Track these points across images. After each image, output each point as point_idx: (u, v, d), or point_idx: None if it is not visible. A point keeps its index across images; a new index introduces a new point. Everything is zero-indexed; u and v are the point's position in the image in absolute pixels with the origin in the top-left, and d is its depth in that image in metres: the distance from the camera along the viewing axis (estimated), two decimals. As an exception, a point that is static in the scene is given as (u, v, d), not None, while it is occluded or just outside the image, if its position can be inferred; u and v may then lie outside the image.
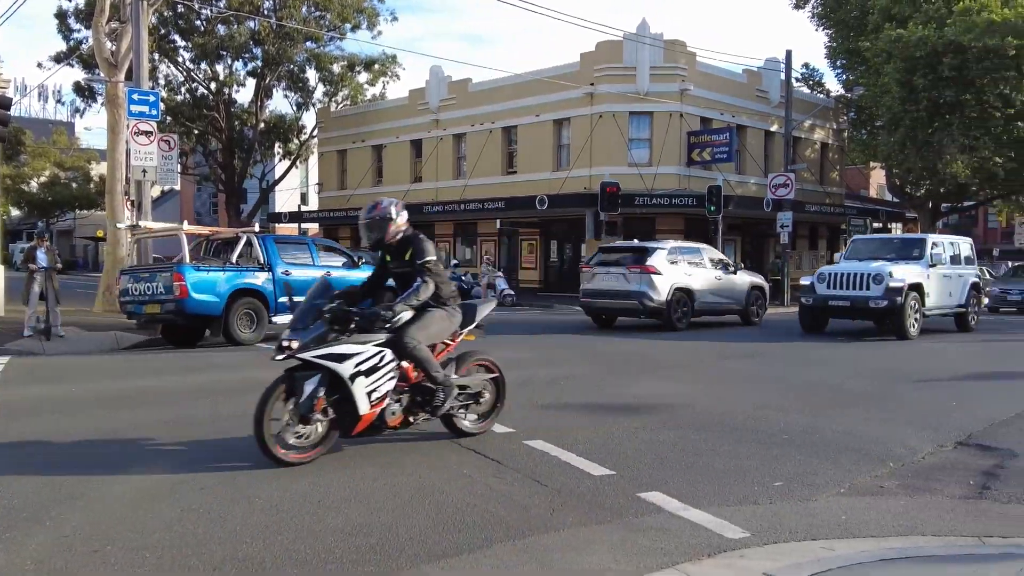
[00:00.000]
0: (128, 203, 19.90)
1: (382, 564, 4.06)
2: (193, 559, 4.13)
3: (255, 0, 38.72)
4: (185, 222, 18.47)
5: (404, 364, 6.08)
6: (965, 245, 19.03)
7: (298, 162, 47.20)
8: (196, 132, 42.28)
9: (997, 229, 71.73)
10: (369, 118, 42.46)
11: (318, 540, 4.36)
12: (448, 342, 6.61)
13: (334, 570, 4.00)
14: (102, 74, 21.26)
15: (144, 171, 17.47)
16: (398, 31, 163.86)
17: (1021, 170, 31.73)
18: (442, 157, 38.74)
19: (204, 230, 17.35)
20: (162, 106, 38.98)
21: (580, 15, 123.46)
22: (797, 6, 41.09)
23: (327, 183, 45.71)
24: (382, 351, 5.91)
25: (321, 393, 5.77)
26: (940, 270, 17.17)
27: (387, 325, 5.94)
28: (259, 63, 41.07)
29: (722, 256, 20.85)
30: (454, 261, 35.37)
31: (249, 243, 15.08)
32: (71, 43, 39.70)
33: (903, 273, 16.03)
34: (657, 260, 17.80)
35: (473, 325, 6.77)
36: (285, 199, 50.73)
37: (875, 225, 39.66)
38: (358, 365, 5.77)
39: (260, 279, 14.65)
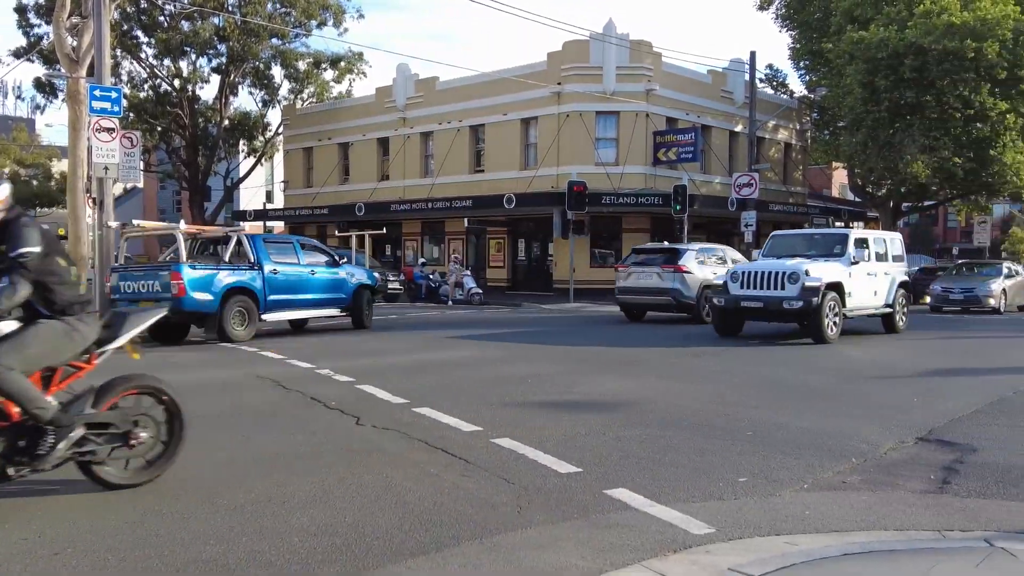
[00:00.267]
0: (90, 201, 19.61)
1: (348, 564, 4.04)
2: (156, 561, 4.08)
3: (219, -4, 38.33)
4: (182, 222, 18.63)
5: None
6: (893, 241, 18.00)
7: (263, 160, 46.77)
8: (159, 129, 41.73)
9: (957, 228, 72.96)
10: (335, 116, 42.20)
11: (283, 541, 4.33)
12: (80, 364, 5.10)
13: (299, 571, 3.97)
14: (63, 70, 20.91)
15: (106, 168, 17.17)
16: (365, 29, 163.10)
17: (980, 170, 32.27)
18: (409, 155, 38.60)
19: (199, 229, 17.52)
20: (125, 103, 38.55)
21: (547, 14, 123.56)
22: (761, 7, 41.47)
23: (293, 181, 45.35)
24: None
25: None
26: (864, 268, 16.03)
27: None
28: (224, 60, 40.63)
29: (740, 256, 22.45)
30: (422, 260, 35.29)
31: (239, 242, 15.49)
32: (31, 38, 39.03)
33: (821, 271, 14.91)
34: (688, 260, 20.00)
35: (119, 342, 5.32)
36: (250, 197, 50.31)
37: (837, 224, 40.21)
38: None
39: (251, 278, 15.11)
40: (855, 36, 31.40)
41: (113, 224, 17.73)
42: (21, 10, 38.42)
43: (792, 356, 13.12)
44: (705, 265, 20.16)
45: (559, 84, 32.75)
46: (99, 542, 4.31)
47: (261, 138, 44.79)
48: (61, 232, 27.11)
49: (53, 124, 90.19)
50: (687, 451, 6.41)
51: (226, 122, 42.55)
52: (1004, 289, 25.95)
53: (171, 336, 14.74)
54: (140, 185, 63.93)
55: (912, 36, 30.03)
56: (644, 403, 8.51)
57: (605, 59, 32.32)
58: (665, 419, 7.65)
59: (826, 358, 12.74)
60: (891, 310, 16.97)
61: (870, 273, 16.27)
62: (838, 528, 4.65)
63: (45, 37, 37.15)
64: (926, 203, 42.67)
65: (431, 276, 31.45)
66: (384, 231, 35.06)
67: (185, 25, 39.36)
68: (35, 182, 61.52)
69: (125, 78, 41.11)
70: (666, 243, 22.86)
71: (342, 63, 43.06)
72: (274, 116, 45.73)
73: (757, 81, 34.02)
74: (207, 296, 14.27)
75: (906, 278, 17.72)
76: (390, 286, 28.64)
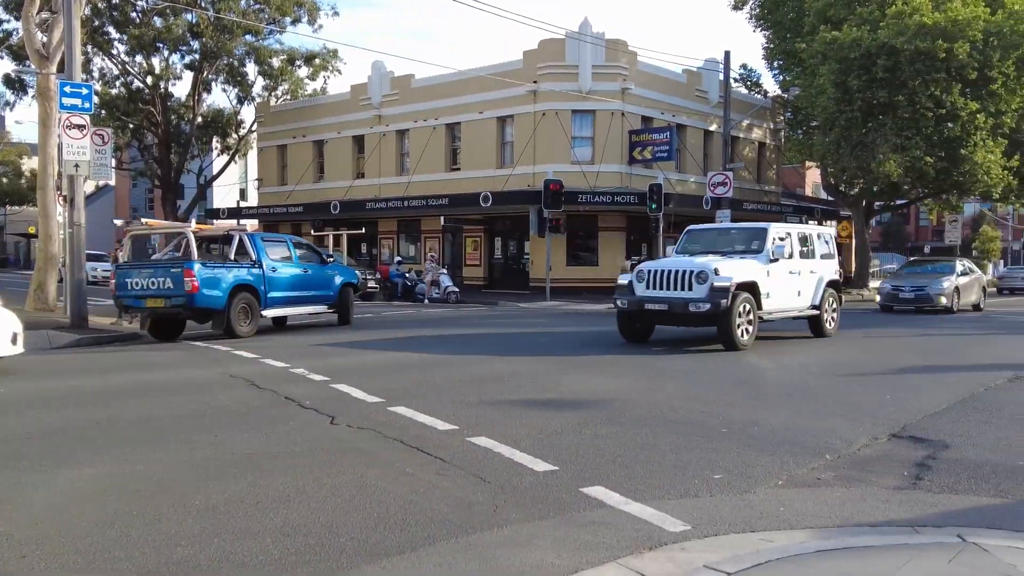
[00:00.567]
0: (60, 198, 19.36)
1: (321, 565, 4.00)
2: (125, 563, 4.02)
3: (192, -8, 37.99)
4: (193, 221, 19.19)
5: None
6: (822, 236, 16.68)
7: (237, 157, 46.45)
8: (131, 126, 41.33)
9: (928, 227, 73.91)
10: (310, 113, 41.95)
11: (255, 541, 4.28)
12: None
13: (271, 571, 3.92)
14: (33, 66, 20.61)
15: (76, 166, 16.94)
16: (339, 26, 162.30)
17: (951, 170, 32.63)
18: (385, 153, 38.45)
19: (201, 227, 18.03)
20: (96, 99, 38.12)
21: (523, 13, 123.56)
22: (736, 7, 41.68)
23: (267, 179, 45.03)
24: None
25: None
26: (785, 265, 14.69)
27: None
28: (197, 56, 40.31)
29: None
30: (398, 258, 35.16)
31: (240, 241, 16.04)
32: (0, 34, 38.46)
33: (732, 270, 13.51)
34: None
35: None
36: (223, 195, 49.92)
37: (811, 223, 40.52)
38: None
39: (255, 275, 15.70)
40: (828, 36, 31.66)
41: (118, 222, 17.92)
42: (-10, 5, 37.89)
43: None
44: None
45: (535, 82, 32.75)
46: (67, 544, 4.24)
47: (235, 135, 44.49)
48: (32, 230, 26.76)
49: (23, 121, 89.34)
50: (663, 449, 6.42)
51: (199, 119, 42.21)
52: (957, 287, 24.71)
53: (170, 333, 15.48)
54: (112, 183, 63.33)
55: (884, 36, 30.33)
56: (621, 401, 8.51)
57: (581, 58, 32.36)
58: (641, 416, 7.65)
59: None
60: (817, 312, 15.64)
61: (793, 271, 14.96)
62: (813, 524, 4.67)
63: (15, 33, 36.65)
64: (898, 202, 43.13)
65: (407, 275, 31.35)
66: (363, 231, 34.95)
67: (158, 21, 39.00)
68: (5, 180, 60.79)
69: (97, 75, 40.70)
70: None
71: (316, 60, 42.87)
72: (248, 113, 45.50)
73: (731, 81, 34.20)
74: (216, 293, 14.77)
75: (836, 276, 16.45)
76: (367, 285, 28.57)
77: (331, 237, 28.90)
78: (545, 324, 19.30)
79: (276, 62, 41.80)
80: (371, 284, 29.90)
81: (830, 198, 45.25)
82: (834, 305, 16.16)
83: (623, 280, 14.43)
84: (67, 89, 16.82)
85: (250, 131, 45.43)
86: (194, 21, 38.31)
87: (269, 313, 16.24)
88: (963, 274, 25.67)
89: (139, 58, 40.63)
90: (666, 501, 5.04)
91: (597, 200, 31.19)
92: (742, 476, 5.67)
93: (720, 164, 33.19)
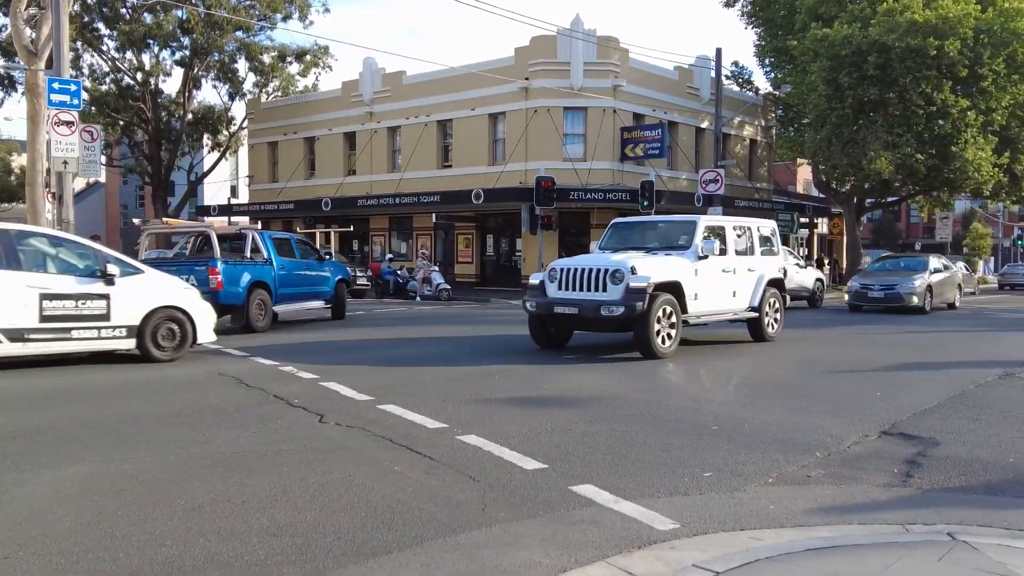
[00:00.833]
0: (49, 195, 19.24)
1: (307, 565, 3.96)
2: (109, 563, 3.97)
3: (182, -12, 37.78)
4: (212, 221, 19.90)
5: None
6: (763, 231, 15.00)
7: (227, 154, 46.27)
8: (122, 123, 41.10)
9: (919, 224, 74.20)
10: (301, 110, 41.81)
11: (241, 542, 4.24)
12: None
13: (257, 572, 3.88)
14: (22, 62, 20.47)
15: (65, 162, 16.84)
16: (331, 22, 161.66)
17: (941, 167, 32.71)
18: (376, 150, 38.35)
19: (229, 229, 19.03)
20: (86, 96, 37.98)
21: (515, 9, 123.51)
22: (727, 4, 41.67)
23: (258, 176, 44.89)
24: None
25: None
26: (717, 263, 13.23)
27: None
28: (187, 52, 40.12)
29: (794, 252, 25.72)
30: (389, 255, 35.09)
31: (253, 239, 16.79)
32: (-12, 30, 38.19)
33: (651, 268, 11.94)
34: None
35: None
36: (214, 192, 49.73)
37: (802, 220, 40.60)
38: None
39: (269, 273, 16.45)
40: (819, 33, 31.70)
41: (137, 221, 18.02)
42: (-24, 1, 37.59)
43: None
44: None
45: (527, 79, 32.70)
46: (51, 545, 4.19)
47: (225, 132, 44.31)
48: (20, 227, 26.70)
49: (12, 118, 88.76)
50: (653, 446, 6.40)
51: (189, 116, 42.03)
52: (930, 285, 23.30)
53: None
54: (102, 180, 63.05)
55: (875, 34, 30.38)
56: (612, 398, 8.49)
57: (572, 55, 32.32)
58: (632, 414, 7.63)
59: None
60: (757, 314, 14.11)
61: (727, 269, 13.49)
62: (802, 523, 4.65)
63: (3, 29, 36.42)
64: (889, 199, 43.21)
65: (399, 272, 31.28)
66: (351, 228, 34.83)
67: (148, 17, 38.81)
68: (-6, 176, 60.36)
69: (86, 71, 40.46)
70: None
71: (307, 57, 42.73)
72: (238, 110, 45.31)
73: (723, 78, 34.24)
74: (238, 290, 15.45)
75: (779, 275, 14.91)
76: (358, 282, 28.55)
77: (318, 234, 28.82)
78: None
79: (267, 59, 41.64)
80: (363, 282, 29.85)
81: (821, 195, 45.34)
82: (776, 306, 14.66)
83: (535, 280, 13.06)
84: (55, 85, 16.72)
85: (241, 128, 45.26)
86: (184, 17, 38.11)
87: (279, 309, 16.90)
88: (937, 271, 24.42)
89: (129, 54, 40.41)
90: (656, 499, 5.02)
91: (589, 197, 31.17)
92: (732, 474, 5.65)
93: (712, 161, 33.20)
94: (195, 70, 40.65)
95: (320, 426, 7.00)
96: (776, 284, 14.75)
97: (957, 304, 25.76)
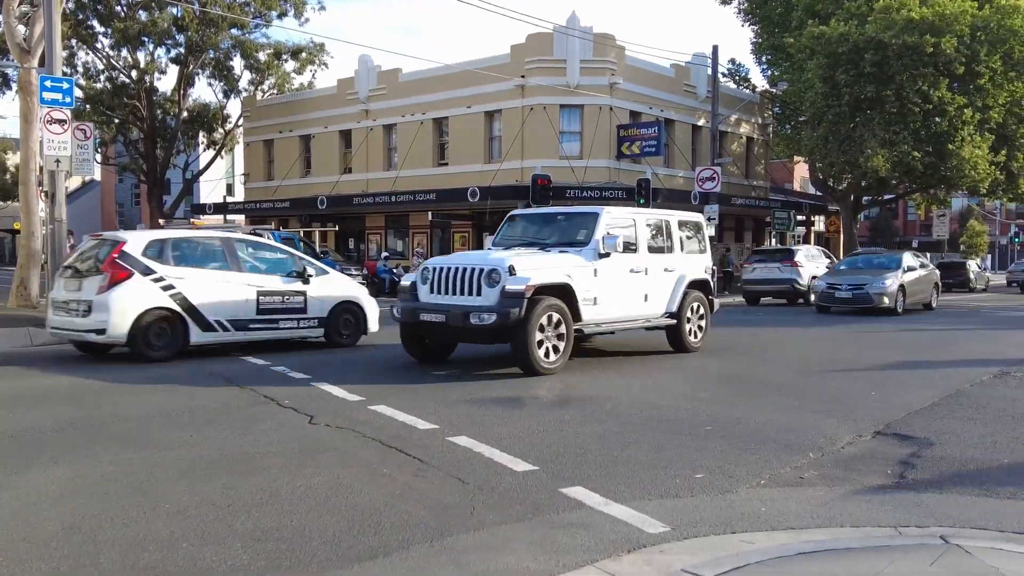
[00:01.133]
0: (42, 194, 19.15)
1: (291, 570, 3.90)
2: (90, 569, 3.91)
3: (177, -15, 37.65)
4: (243, 222, 20.73)
5: None
6: (686, 226, 13.12)
7: (223, 152, 46.14)
8: (117, 121, 40.94)
9: (916, 221, 74.25)
10: (296, 108, 41.67)
11: (225, 546, 4.18)
12: None
13: (240, 578, 3.83)
14: (14, 60, 20.37)
15: (58, 161, 16.75)
16: (326, 19, 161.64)
17: (938, 164, 32.66)
18: (372, 148, 38.24)
19: (245, 229, 20.06)
20: (80, 94, 37.87)
21: (510, 6, 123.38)
22: (724, 2, 41.60)
23: (253, 174, 44.75)
24: None
25: None
26: (623, 262, 11.33)
27: None
28: (182, 50, 39.92)
29: (830, 253, 27.54)
30: (385, 253, 35.00)
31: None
32: (-19, 27, 38.02)
33: (534, 268, 10.15)
34: (800, 257, 26.56)
35: None
36: (210, 190, 49.62)
37: (798, 218, 40.58)
38: None
39: None
40: (816, 31, 31.63)
41: (162, 222, 18.17)
42: (-30, -2, 37.43)
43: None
44: (812, 260, 27.02)
45: (523, 77, 32.60)
46: (32, 550, 4.13)
47: (221, 130, 44.16)
48: (17, 226, 26.42)
49: (7, 116, 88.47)
50: (645, 447, 6.35)
51: (185, 114, 41.87)
52: (902, 285, 21.71)
53: None
54: (98, 178, 62.97)
55: (872, 31, 30.32)
56: (606, 398, 8.44)
57: (569, 52, 32.23)
58: (625, 414, 7.58)
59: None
60: (675, 321, 12.24)
61: (636, 269, 11.64)
62: (794, 525, 4.60)
63: (-3, 27, 36.23)
64: (886, 197, 43.21)
65: (395, 270, 31.20)
66: (336, 228, 34.74)
67: (142, 15, 38.62)
68: (-11, 175, 60.26)
69: (81, 69, 40.29)
70: (777, 244, 26.42)
71: (303, 54, 42.55)
72: (234, 108, 45.13)
73: (720, 76, 34.14)
74: None
75: (704, 276, 13.06)
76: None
77: (301, 233, 28.82)
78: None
79: (262, 56, 41.47)
80: (358, 280, 29.76)
81: (818, 193, 45.30)
82: (700, 312, 12.83)
83: (406, 281, 11.38)
84: (47, 83, 16.62)
85: (236, 126, 45.12)
86: (179, 14, 37.95)
87: None
88: (911, 270, 22.79)
89: (124, 52, 40.20)
90: (646, 502, 4.97)
91: (585, 195, 31.05)
92: (724, 475, 5.60)
93: (708, 159, 33.13)
94: (190, 68, 40.49)
95: (310, 427, 6.94)
96: (701, 286, 12.94)
97: (934, 305, 24.14)
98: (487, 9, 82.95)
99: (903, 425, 7.25)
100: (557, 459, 5.93)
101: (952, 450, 6.37)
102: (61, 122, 16.59)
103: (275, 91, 43.84)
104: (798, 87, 34.05)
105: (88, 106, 38.68)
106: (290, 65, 43.07)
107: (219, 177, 49.33)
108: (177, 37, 39.53)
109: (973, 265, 43.28)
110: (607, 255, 11.01)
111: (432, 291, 10.64)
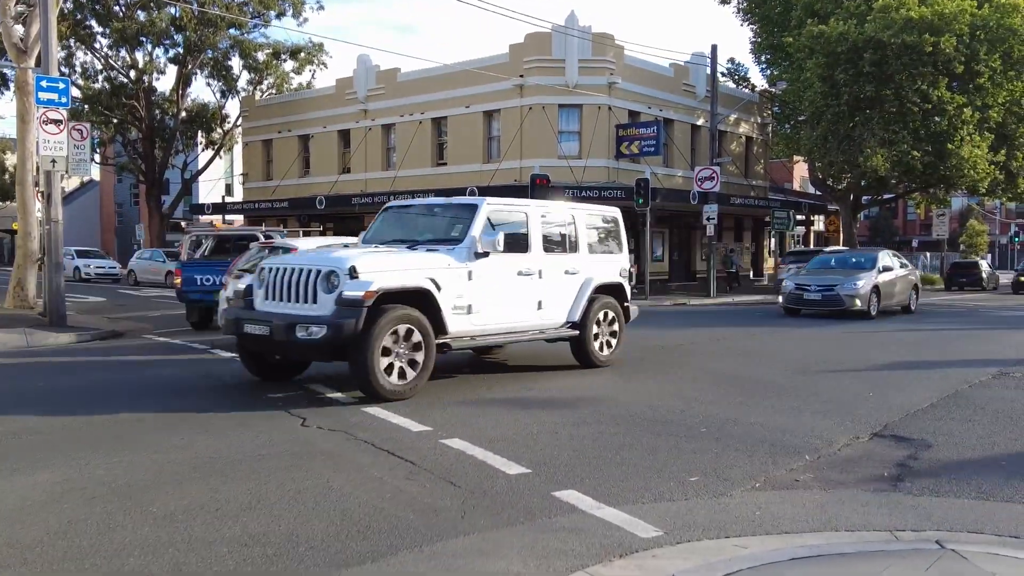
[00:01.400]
0: (38, 194, 19.08)
1: (277, 576, 3.85)
2: (75, 574, 3.86)
3: (175, -15, 37.60)
4: (263, 225, 20.98)
5: None
6: (592, 219, 11.24)
7: (222, 152, 46.10)
8: (115, 121, 40.92)
9: (916, 221, 74.15)
10: (295, 107, 41.63)
11: (211, 551, 4.12)
12: None
13: (225, 584, 3.77)
14: (11, 60, 20.31)
15: (54, 161, 16.67)
16: (325, 19, 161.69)
17: (938, 164, 32.58)
18: (371, 148, 38.20)
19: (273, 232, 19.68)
20: (78, 93, 37.83)
21: (509, 6, 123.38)
22: (723, 1, 41.51)
23: (252, 174, 44.70)
24: None
25: None
26: (507, 262, 9.58)
27: None
28: (180, 50, 39.91)
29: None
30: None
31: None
32: (-21, 28, 37.97)
33: (382, 270, 8.36)
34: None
35: None
36: (208, 190, 49.54)
37: (798, 218, 40.50)
38: None
39: None
40: (815, 30, 31.56)
41: (184, 224, 18.37)
42: (-33, -2, 37.37)
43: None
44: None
45: (521, 76, 32.54)
46: (16, 556, 4.08)
47: (219, 130, 44.12)
48: (15, 227, 26.40)
49: (5, 116, 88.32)
50: (640, 449, 6.29)
51: (183, 114, 41.85)
52: (876, 286, 20.07)
53: (204, 323, 16.35)
54: (96, 178, 62.88)
55: (871, 30, 30.25)
56: (601, 400, 8.39)
57: (567, 52, 32.17)
58: (620, 416, 7.53)
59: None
60: (578, 332, 10.47)
61: (526, 271, 9.87)
62: (789, 529, 4.55)
63: (-6, 26, 36.16)
64: (886, 196, 43.14)
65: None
66: (321, 228, 34.76)
67: (141, 15, 38.59)
68: (-12, 175, 60.22)
69: (79, 69, 40.26)
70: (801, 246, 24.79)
71: (302, 54, 42.52)
72: (232, 108, 45.08)
73: (719, 75, 34.06)
74: None
75: (616, 279, 11.26)
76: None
77: (301, 233, 28.91)
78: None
79: (261, 56, 41.44)
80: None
81: (818, 192, 45.24)
82: (611, 319, 11.01)
83: (242, 284, 9.99)
84: (43, 83, 16.53)
85: (235, 126, 45.09)
86: (177, 14, 37.91)
87: None
88: (887, 270, 21.16)
89: (122, 52, 40.21)
90: (640, 505, 4.91)
91: (584, 195, 30.92)
92: (719, 478, 5.54)
93: (707, 158, 33.05)
94: (189, 68, 40.46)
95: (302, 429, 6.88)
96: (613, 291, 11.18)
97: (913, 307, 22.40)
98: (486, 9, 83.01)
99: (901, 427, 7.19)
100: (551, 462, 5.88)
101: (950, 452, 6.32)
102: (57, 122, 16.51)
103: (274, 91, 43.81)
104: (797, 86, 33.97)
105: (87, 106, 38.66)
106: (289, 65, 43.05)
107: (218, 177, 49.26)
108: (175, 37, 39.52)
109: (985, 265, 44.18)
110: (485, 255, 9.26)
111: (267, 296, 8.72)
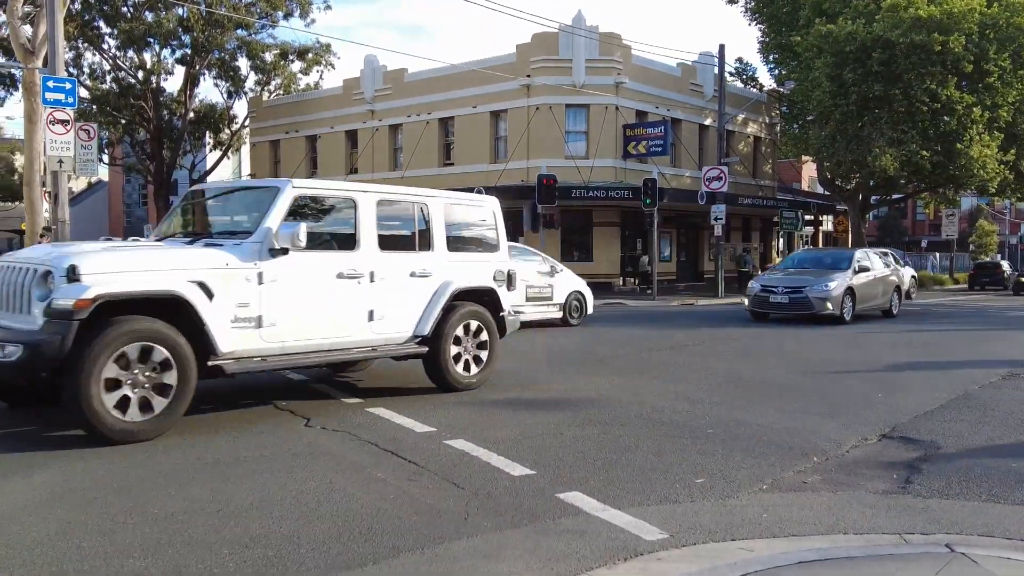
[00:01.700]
0: (45, 195, 19.13)
1: (277, 579, 3.81)
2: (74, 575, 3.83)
3: (183, -14, 37.66)
4: None
5: None
6: (455, 208, 9.36)
7: (229, 153, 46.14)
8: (123, 122, 40.98)
9: (925, 221, 73.83)
10: (303, 108, 41.68)
11: (211, 552, 4.09)
12: None
13: (224, 586, 3.73)
14: (19, 60, 20.36)
15: (60, 161, 16.71)
16: (332, 19, 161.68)
17: (947, 164, 32.44)
18: (378, 148, 38.21)
19: None
20: (86, 94, 37.93)
21: (516, 6, 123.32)
22: (730, 1, 41.41)
23: (259, 174, 44.74)
24: None
25: None
26: (319, 261, 7.64)
27: None
28: (188, 51, 39.95)
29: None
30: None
31: None
32: (-13, 28, 38.10)
33: (113, 269, 6.40)
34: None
35: None
36: (217, 191, 49.53)
37: (806, 218, 40.37)
38: None
39: None
40: (823, 29, 31.45)
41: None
42: (-26, -1, 37.50)
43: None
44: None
45: (528, 76, 32.49)
46: (16, 557, 4.04)
47: (227, 131, 44.15)
48: (24, 227, 26.49)
49: (14, 116, 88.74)
50: (645, 451, 6.24)
51: (191, 114, 41.88)
52: (851, 288, 18.40)
53: None
54: (105, 179, 63.03)
55: (880, 29, 30.13)
56: (606, 400, 8.33)
57: (574, 51, 32.11)
58: (625, 417, 7.47)
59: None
60: (426, 349, 8.48)
61: (350, 274, 7.84)
62: (796, 532, 4.49)
63: (2, 27, 36.30)
64: (894, 196, 42.98)
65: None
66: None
67: (148, 15, 38.63)
68: (-3, 176, 60.45)
69: (87, 70, 40.34)
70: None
71: (309, 54, 42.50)
72: (240, 108, 45.11)
73: (726, 75, 33.95)
74: None
75: (483, 284, 9.19)
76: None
77: None
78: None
79: (268, 56, 41.43)
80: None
81: (826, 192, 45.08)
82: (476, 330, 9.00)
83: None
84: (50, 84, 16.58)
85: (243, 126, 45.13)
86: (185, 15, 37.96)
87: None
88: (863, 270, 19.36)
89: (130, 53, 40.23)
90: (645, 507, 4.86)
91: (591, 195, 30.95)
92: (725, 480, 5.48)
93: (715, 158, 32.95)
94: (196, 68, 40.50)
95: (305, 430, 6.85)
96: (481, 298, 9.15)
97: (895, 311, 20.70)
98: (493, 9, 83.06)
99: (909, 428, 7.12)
100: (555, 463, 5.83)
101: (959, 454, 6.25)
102: (64, 122, 16.55)
103: (281, 91, 43.83)
104: (805, 86, 33.85)
105: (95, 107, 38.70)
106: (296, 65, 43.03)
107: (226, 177, 49.29)
108: (183, 38, 39.55)
109: (1006, 265, 46.03)
110: (284, 252, 7.19)
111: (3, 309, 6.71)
